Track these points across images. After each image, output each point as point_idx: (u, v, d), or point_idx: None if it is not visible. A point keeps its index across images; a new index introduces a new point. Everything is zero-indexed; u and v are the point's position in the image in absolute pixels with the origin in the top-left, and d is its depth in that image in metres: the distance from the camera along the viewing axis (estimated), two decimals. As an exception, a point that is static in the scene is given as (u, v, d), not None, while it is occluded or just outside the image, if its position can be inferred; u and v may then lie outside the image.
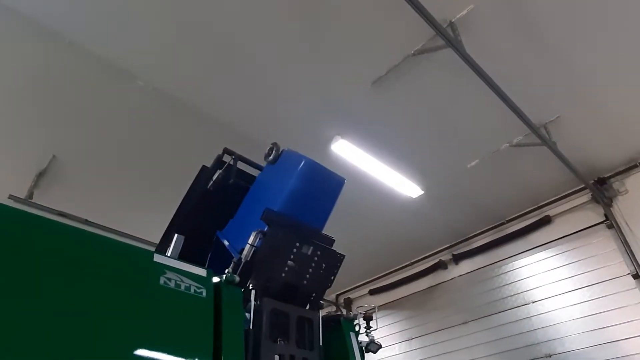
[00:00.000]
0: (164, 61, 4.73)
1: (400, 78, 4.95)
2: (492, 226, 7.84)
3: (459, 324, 7.65)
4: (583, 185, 6.67)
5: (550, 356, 6.38)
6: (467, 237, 8.14)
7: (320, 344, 2.44)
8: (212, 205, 3.17)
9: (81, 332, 1.56)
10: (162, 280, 1.86)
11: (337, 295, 10.01)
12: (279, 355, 2.20)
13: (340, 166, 5.52)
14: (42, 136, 5.60)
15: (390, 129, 5.72)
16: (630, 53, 4.86)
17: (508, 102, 4.81)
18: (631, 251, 6.05)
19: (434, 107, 5.48)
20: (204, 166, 3.34)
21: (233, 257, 2.47)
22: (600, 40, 4.71)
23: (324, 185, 2.81)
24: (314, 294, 2.63)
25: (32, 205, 6.00)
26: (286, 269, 2.46)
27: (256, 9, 4.26)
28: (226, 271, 2.18)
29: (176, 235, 2.65)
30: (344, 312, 2.95)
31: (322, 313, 2.62)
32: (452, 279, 8.20)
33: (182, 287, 1.90)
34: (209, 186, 3.15)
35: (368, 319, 2.96)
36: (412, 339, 8.27)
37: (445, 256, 8.39)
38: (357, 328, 2.86)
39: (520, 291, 7.10)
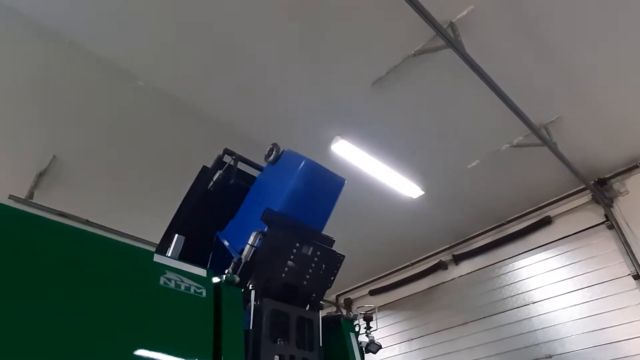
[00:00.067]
0: (164, 61, 4.73)
1: (400, 78, 4.95)
2: (492, 227, 7.84)
3: (459, 325, 7.65)
4: (583, 186, 6.67)
5: (550, 357, 6.37)
6: (468, 237, 8.14)
7: (320, 344, 2.44)
8: (212, 206, 3.17)
9: (81, 332, 1.56)
10: (162, 280, 1.85)
11: (337, 296, 10.01)
12: (279, 356, 2.20)
13: (340, 166, 5.53)
14: (42, 136, 5.60)
15: (391, 129, 5.72)
16: (630, 53, 4.85)
17: (508, 102, 4.81)
18: (632, 252, 6.05)
19: (434, 108, 5.47)
20: (204, 167, 3.34)
21: (233, 258, 2.47)
22: (600, 40, 4.71)
23: (324, 186, 2.81)
24: (314, 295, 2.62)
25: (32, 206, 6.00)
26: (286, 269, 2.46)
27: (256, 9, 4.26)
28: (226, 271, 2.18)
29: (176, 235, 2.64)
30: (344, 312, 2.95)
31: (322, 313, 2.62)
32: (452, 279, 8.19)
33: (182, 287, 1.90)
34: (209, 187, 3.15)
35: (368, 319, 2.96)
36: (412, 339, 8.27)
37: (446, 257, 8.39)
38: (357, 328, 2.86)
39: (520, 292, 7.10)
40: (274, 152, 3.00)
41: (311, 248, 2.55)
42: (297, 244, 2.50)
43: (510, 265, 7.43)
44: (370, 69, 4.88)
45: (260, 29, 4.45)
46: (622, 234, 6.22)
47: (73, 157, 5.96)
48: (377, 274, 9.36)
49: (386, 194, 6.67)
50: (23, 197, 6.02)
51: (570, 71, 5.04)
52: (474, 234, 8.05)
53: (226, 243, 2.86)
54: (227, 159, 3.29)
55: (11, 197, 5.98)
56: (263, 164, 3.24)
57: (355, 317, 2.88)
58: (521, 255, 7.33)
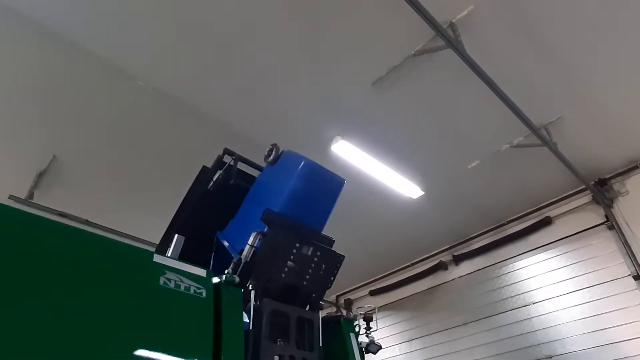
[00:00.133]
0: (164, 61, 4.73)
1: (400, 78, 4.95)
2: (492, 227, 7.84)
3: (460, 325, 7.64)
4: (583, 186, 6.66)
5: (550, 357, 6.37)
6: (468, 238, 8.13)
7: (320, 344, 2.44)
8: (212, 206, 3.17)
9: (81, 332, 1.55)
10: (161, 280, 1.85)
11: (338, 296, 10.01)
12: (279, 356, 2.20)
13: (340, 167, 5.52)
14: (42, 136, 5.60)
15: (391, 129, 5.72)
16: (630, 53, 4.85)
17: (508, 102, 4.81)
18: (632, 252, 6.04)
19: (435, 108, 5.47)
20: (204, 167, 3.34)
21: (233, 258, 2.47)
22: (600, 40, 4.71)
23: (324, 186, 2.81)
24: (313, 295, 2.62)
25: (32, 206, 6.00)
26: (286, 269, 2.46)
27: (256, 9, 4.26)
28: (226, 271, 2.18)
29: (176, 235, 2.64)
30: (344, 312, 2.94)
31: (322, 314, 2.62)
32: (452, 280, 8.19)
33: (182, 288, 1.89)
34: (209, 187, 3.15)
35: (368, 319, 2.96)
36: (412, 340, 8.26)
37: (446, 257, 8.38)
38: (357, 329, 2.86)
39: (520, 292, 7.10)
40: (273, 152, 3.00)
41: (311, 248, 2.55)
42: (297, 244, 2.50)
43: (511, 265, 7.42)
44: (370, 69, 4.88)
45: (261, 29, 4.45)
46: (622, 235, 6.22)
47: (73, 157, 5.96)
48: (377, 274, 9.35)
49: (386, 194, 6.66)
50: (23, 197, 6.02)
51: (570, 71, 5.04)
52: (474, 235, 8.05)
53: (226, 243, 2.86)
54: (227, 159, 3.29)
55: (11, 197, 5.98)
56: (263, 164, 3.24)
57: (355, 318, 2.88)
58: (521, 255, 7.33)
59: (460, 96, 5.27)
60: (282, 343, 2.28)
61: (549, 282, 6.79)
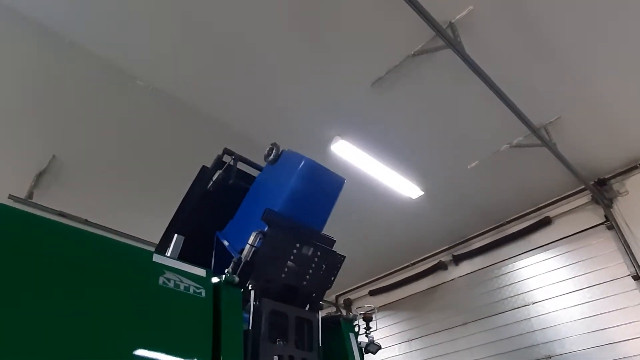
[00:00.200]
0: (164, 61, 4.73)
1: (400, 79, 4.96)
2: (492, 227, 7.84)
3: (459, 325, 7.65)
4: (583, 187, 6.67)
5: (550, 357, 6.37)
6: (467, 238, 8.13)
7: (320, 344, 2.43)
8: (212, 206, 3.16)
9: (80, 332, 1.55)
10: (161, 280, 1.85)
11: (337, 296, 10.01)
12: (278, 356, 2.19)
13: (340, 167, 5.52)
14: (41, 136, 5.60)
15: (390, 129, 5.72)
16: (630, 53, 4.86)
17: (508, 102, 4.81)
18: (631, 252, 6.05)
19: (434, 108, 5.47)
20: (204, 166, 3.34)
21: (233, 257, 2.46)
22: (600, 40, 4.71)
23: (324, 186, 2.80)
24: (313, 295, 2.62)
25: (32, 205, 6.00)
26: (286, 269, 2.46)
27: (256, 10, 4.26)
28: (226, 271, 2.18)
29: (176, 235, 2.64)
30: (344, 312, 2.94)
31: (321, 314, 2.61)
32: (452, 280, 8.19)
33: (182, 287, 1.89)
34: (209, 186, 3.15)
35: (368, 319, 2.96)
36: (412, 340, 8.26)
37: (445, 257, 8.39)
38: (356, 329, 2.86)
39: (520, 292, 7.10)
40: (273, 151, 2.99)
41: (311, 248, 2.54)
42: (297, 245, 2.49)
43: (510, 265, 7.43)
44: (370, 69, 4.88)
45: (261, 29, 4.45)
46: (622, 235, 6.22)
47: (73, 157, 5.96)
48: (377, 274, 9.36)
49: (386, 194, 6.67)
50: (22, 197, 6.02)
51: (570, 71, 5.04)
52: (474, 235, 8.05)
53: (226, 243, 2.85)
54: (227, 158, 3.29)
55: (11, 196, 5.98)
56: (263, 164, 3.23)
57: (354, 318, 2.88)
58: (521, 255, 7.33)
59: (459, 96, 5.27)
60: (281, 343, 2.28)
61: (549, 282, 6.79)
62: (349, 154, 5.76)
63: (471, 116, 5.57)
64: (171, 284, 1.87)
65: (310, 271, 2.55)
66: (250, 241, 2.38)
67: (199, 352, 1.81)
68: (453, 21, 4.32)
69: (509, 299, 7.19)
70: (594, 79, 5.19)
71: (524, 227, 7.38)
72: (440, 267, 8.32)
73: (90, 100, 5.14)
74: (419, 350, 8.08)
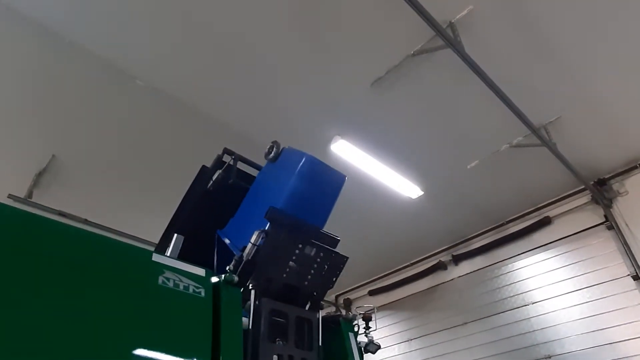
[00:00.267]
0: (164, 61, 4.73)
1: (400, 78, 4.96)
2: (491, 227, 7.84)
3: (459, 325, 7.65)
4: (583, 186, 6.67)
5: (549, 357, 6.37)
6: (467, 238, 8.14)
7: (320, 344, 2.43)
8: (211, 206, 3.16)
9: (79, 332, 1.55)
10: (160, 279, 1.85)
11: (337, 296, 10.01)
12: (278, 356, 2.19)
13: (340, 166, 5.44)
14: (41, 135, 5.60)
15: (390, 129, 5.72)
16: (630, 53, 4.86)
17: (508, 102, 4.81)
18: (631, 252, 6.05)
19: (434, 108, 5.48)
20: (203, 166, 3.34)
21: (235, 255, 2.44)
22: (600, 40, 4.71)
23: (325, 183, 2.79)
24: (314, 295, 2.61)
25: (31, 205, 6.00)
26: (287, 269, 2.44)
27: (256, 10, 4.26)
28: (227, 268, 2.17)
29: (175, 235, 2.64)
30: (343, 312, 2.94)
31: (321, 313, 2.61)
32: (451, 279, 8.20)
33: (181, 287, 1.89)
34: (208, 186, 3.15)
35: (367, 319, 2.95)
36: (411, 339, 8.27)
37: (445, 257, 8.39)
38: (356, 328, 2.85)
39: (519, 292, 7.10)
40: (274, 149, 2.99)
41: (314, 249, 2.52)
42: (300, 245, 2.47)
43: (510, 265, 7.43)
44: (370, 69, 4.89)
45: (261, 30, 4.45)
46: (622, 235, 6.23)
47: (72, 157, 5.96)
48: (377, 274, 9.36)
49: (385, 194, 6.67)
50: (22, 196, 6.02)
51: (570, 71, 5.04)
52: (474, 234, 8.06)
53: (227, 241, 2.85)
54: (227, 158, 3.29)
55: (10, 196, 5.99)
56: (263, 163, 3.23)
57: (354, 317, 2.87)
58: (520, 255, 7.33)
59: (459, 96, 5.28)
60: (281, 343, 2.27)
61: (548, 282, 6.80)
62: (348, 153, 5.76)
63: (471, 116, 5.58)
64: (170, 284, 1.86)
65: (312, 271, 2.53)
66: (252, 240, 2.35)
67: (199, 351, 1.81)
68: (453, 21, 4.32)
69: (508, 298, 7.20)
70: (594, 79, 5.19)
71: (524, 227, 7.38)
72: (440, 267, 8.32)
73: (90, 100, 5.14)
74: (418, 350, 8.08)
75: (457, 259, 8.18)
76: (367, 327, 2.93)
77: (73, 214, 6.48)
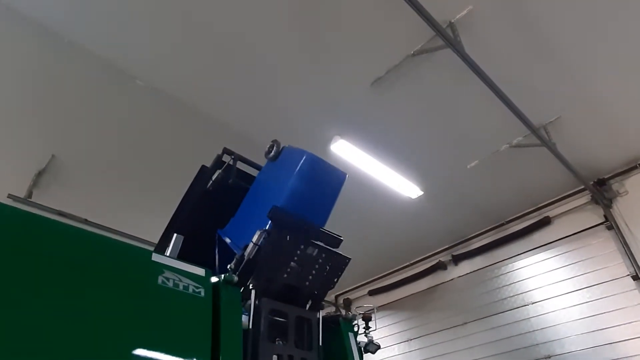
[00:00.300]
0: (164, 61, 4.73)
1: (399, 78, 4.96)
2: (491, 227, 7.84)
3: (458, 325, 7.65)
4: (583, 187, 6.67)
5: (549, 357, 6.37)
6: (467, 237, 8.14)
7: (320, 344, 2.43)
8: (211, 206, 3.16)
9: (79, 332, 1.55)
10: (160, 279, 1.85)
11: (337, 296, 10.01)
12: (277, 356, 2.19)
13: (340, 166, 5.46)
14: (41, 135, 5.60)
15: (390, 129, 5.72)
16: (630, 53, 4.86)
17: (508, 102, 4.81)
18: (631, 252, 6.05)
19: (434, 108, 5.48)
20: (203, 166, 3.34)
21: (236, 254, 2.43)
22: (600, 40, 4.71)
23: (326, 181, 2.78)
24: (315, 295, 2.60)
25: (31, 205, 6.00)
26: (289, 270, 2.43)
27: (256, 10, 4.26)
28: (228, 267, 2.17)
29: (175, 235, 2.64)
30: (343, 312, 2.94)
31: (321, 313, 2.60)
32: (451, 279, 8.20)
33: (181, 287, 1.89)
34: (208, 186, 3.14)
35: (367, 319, 2.95)
36: (411, 339, 8.27)
37: (445, 257, 8.39)
38: (356, 328, 2.85)
39: (519, 292, 7.10)
40: (274, 148, 2.99)
41: (317, 249, 2.50)
42: (302, 246, 2.44)
43: (510, 265, 7.43)
44: (370, 69, 4.89)
45: (261, 29, 4.45)
46: (621, 235, 6.23)
47: (72, 157, 5.96)
48: (376, 274, 9.36)
49: (385, 194, 6.67)
50: (22, 196, 6.02)
51: (570, 71, 5.05)
52: (473, 234, 8.06)
53: (228, 240, 2.84)
54: (226, 158, 3.29)
55: (10, 196, 5.99)
56: (262, 163, 3.23)
57: (354, 317, 2.87)
58: (520, 255, 7.34)
59: (459, 96, 5.28)
60: (280, 342, 2.27)
61: (548, 282, 6.80)
62: (348, 153, 5.76)
63: (471, 116, 5.58)
64: (170, 284, 1.86)
65: (314, 272, 2.51)
66: (254, 239, 2.34)
67: (198, 351, 1.81)
68: (453, 21, 4.32)
69: (508, 298, 7.20)
70: (594, 79, 5.19)
71: (524, 227, 7.39)
72: (440, 267, 8.32)
73: (90, 100, 5.14)
74: (418, 350, 8.08)
75: (456, 259, 8.18)
76: (367, 327, 2.93)
77: (73, 213, 6.48)
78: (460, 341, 7.52)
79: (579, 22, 4.51)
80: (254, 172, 3.38)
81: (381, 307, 8.69)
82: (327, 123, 5.56)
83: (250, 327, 2.14)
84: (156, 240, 3.22)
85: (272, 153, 2.97)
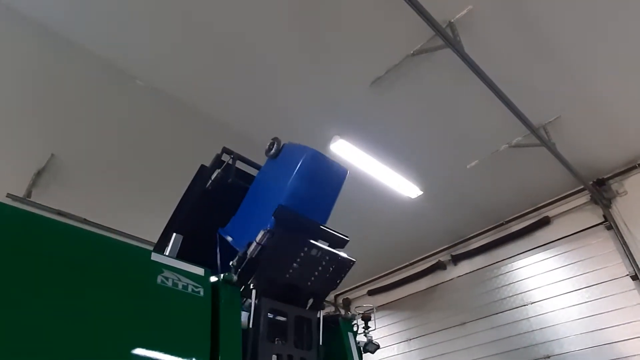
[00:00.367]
0: (164, 61, 4.73)
1: (399, 78, 4.96)
2: (491, 227, 7.85)
3: (458, 325, 7.66)
4: (582, 187, 6.67)
5: (548, 357, 6.38)
6: (466, 237, 8.14)
7: (320, 344, 2.43)
8: (210, 205, 3.16)
9: (78, 331, 1.56)
10: (159, 279, 1.85)
11: (336, 296, 10.01)
12: (277, 355, 2.19)
13: (340, 166, 5.51)
14: (41, 135, 5.60)
15: (390, 129, 5.72)
16: (630, 53, 4.86)
17: (507, 102, 4.82)
18: (630, 252, 6.06)
19: (433, 108, 5.48)
20: (202, 165, 3.34)
21: (238, 252, 2.42)
22: (600, 40, 4.71)
23: (327, 177, 2.78)
24: (316, 295, 2.60)
25: (30, 204, 6.00)
26: (291, 270, 2.42)
27: (256, 10, 4.26)
28: (230, 263, 2.16)
29: (174, 234, 2.64)
30: (343, 312, 2.93)
31: (321, 313, 2.60)
32: (451, 279, 8.20)
33: (180, 287, 1.89)
34: (207, 185, 3.14)
35: (366, 319, 2.96)
36: (410, 339, 8.27)
37: (444, 257, 8.39)
38: (355, 328, 2.86)
39: (518, 292, 7.11)
40: (274, 146, 2.98)
41: (320, 251, 2.47)
42: (306, 248, 2.42)
43: (509, 265, 7.43)
44: (370, 69, 4.89)
45: (261, 29, 4.45)
46: (621, 235, 6.23)
47: (72, 156, 5.96)
48: (376, 274, 9.36)
49: (385, 193, 6.67)
50: (21, 196, 6.02)
51: (570, 71, 5.05)
52: (473, 234, 8.06)
53: (229, 239, 2.84)
54: (226, 157, 3.29)
55: (9, 195, 5.99)
56: (262, 163, 3.24)
57: (353, 317, 2.87)
58: (520, 255, 7.34)
59: (459, 96, 5.28)
60: (280, 342, 2.27)
61: (547, 282, 6.80)
62: (348, 153, 5.76)
63: (471, 116, 5.58)
64: (169, 283, 1.87)
65: (316, 273, 2.49)
66: (257, 239, 2.31)
67: (198, 351, 1.81)
68: (452, 21, 4.32)
69: (507, 298, 7.20)
70: (594, 79, 5.19)
71: (523, 226, 7.39)
72: (439, 266, 8.32)
73: (90, 100, 5.14)
74: (417, 349, 8.08)
75: (456, 259, 8.19)
76: (367, 327, 2.94)
77: (72, 213, 6.48)
78: (460, 341, 7.53)
79: (579, 22, 4.51)
80: (253, 171, 3.39)
81: (380, 307, 8.70)
82: (327, 123, 5.55)
83: (250, 326, 2.14)
84: (156, 240, 3.22)
85: (273, 151, 2.97)
